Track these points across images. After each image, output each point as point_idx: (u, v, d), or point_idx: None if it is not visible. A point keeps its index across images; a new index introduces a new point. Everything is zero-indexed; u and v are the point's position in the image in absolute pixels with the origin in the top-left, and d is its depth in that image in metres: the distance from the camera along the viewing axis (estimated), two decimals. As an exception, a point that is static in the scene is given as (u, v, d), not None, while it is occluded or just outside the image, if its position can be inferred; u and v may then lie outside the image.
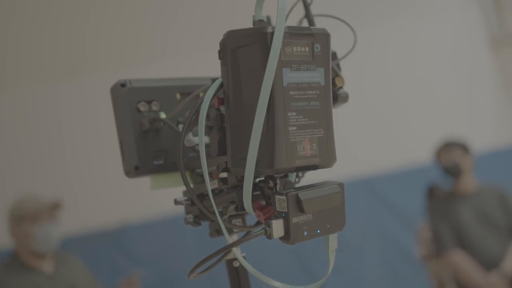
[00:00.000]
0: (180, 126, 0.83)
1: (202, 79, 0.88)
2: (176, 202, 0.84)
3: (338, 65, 0.80)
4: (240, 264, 0.85)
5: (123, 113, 0.82)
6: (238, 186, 0.73)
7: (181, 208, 0.84)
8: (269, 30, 0.63)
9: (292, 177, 0.76)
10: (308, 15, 0.80)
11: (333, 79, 0.78)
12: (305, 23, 0.81)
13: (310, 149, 0.66)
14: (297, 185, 0.77)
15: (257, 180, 0.72)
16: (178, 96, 0.87)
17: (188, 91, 0.86)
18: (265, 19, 0.72)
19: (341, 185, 0.69)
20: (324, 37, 0.67)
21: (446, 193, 2.84)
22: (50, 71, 3.43)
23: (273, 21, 0.71)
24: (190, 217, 0.80)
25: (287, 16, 0.68)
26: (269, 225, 0.64)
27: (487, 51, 4.28)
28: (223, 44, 0.67)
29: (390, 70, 3.96)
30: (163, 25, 3.58)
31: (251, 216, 0.73)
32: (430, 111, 4.00)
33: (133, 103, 0.83)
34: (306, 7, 0.80)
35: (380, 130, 3.84)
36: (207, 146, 0.71)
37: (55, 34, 3.47)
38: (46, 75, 3.43)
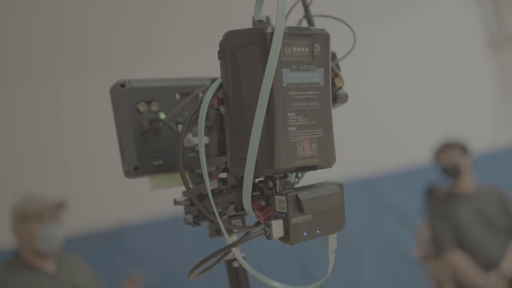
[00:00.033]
0: (180, 127, 0.83)
1: (202, 80, 0.88)
2: (176, 202, 0.84)
3: (337, 66, 0.80)
4: (240, 265, 0.85)
5: (122, 113, 0.82)
6: (238, 187, 0.73)
7: (180, 209, 0.84)
8: (269, 30, 0.63)
9: (291, 177, 0.76)
10: (307, 16, 0.80)
11: (333, 79, 0.78)
12: (304, 24, 0.81)
13: (310, 149, 0.66)
14: (296, 186, 0.77)
15: (257, 180, 0.72)
16: (177, 96, 0.87)
17: (187, 92, 0.86)
18: (264, 20, 0.72)
19: (340, 185, 0.69)
20: (324, 37, 0.67)
21: (445, 194, 2.84)
22: (50, 71, 3.43)
23: (273, 22, 0.71)
24: (190, 217, 0.80)
25: (286, 17, 0.68)
26: (269, 226, 0.64)
27: (486, 52, 4.29)
28: (222, 44, 0.67)
29: (389, 70, 3.96)
30: (162, 25, 3.58)
31: (251, 217, 0.73)
32: (429, 111, 4.00)
33: (132, 103, 0.83)
34: (306, 7, 0.80)
35: (379, 131, 3.84)
36: (206, 146, 0.71)
37: (55, 34, 3.47)
38: (46, 75, 3.43)
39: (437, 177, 2.93)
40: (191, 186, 0.78)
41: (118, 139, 0.84)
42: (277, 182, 0.71)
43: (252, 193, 0.66)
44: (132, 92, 0.83)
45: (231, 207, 0.74)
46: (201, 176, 0.83)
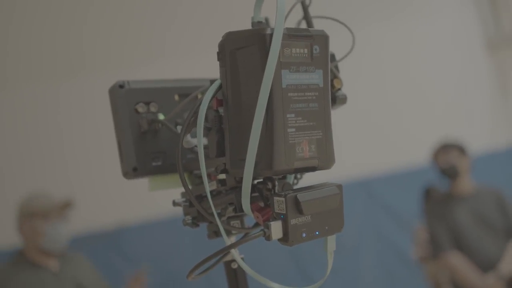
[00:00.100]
0: (179, 128, 0.83)
1: (201, 81, 0.88)
2: (175, 203, 0.84)
3: (336, 67, 0.81)
4: (239, 266, 0.85)
5: (121, 114, 0.82)
6: (237, 188, 0.73)
7: (178, 210, 0.84)
8: (268, 31, 0.63)
9: (290, 178, 0.76)
10: (306, 17, 0.80)
11: (332, 80, 0.78)
12: (303, 25, 0.81)
13: (309, 150, 0.66)
14: (295, 187, 0.77)
15: (256, 181, 0.72)
16: (176, 97, 0.87)
17: (186, 93, 0.86)
18: (263, 21, 0.72)
19: (339, 186, 0.69)
20: (323, 38, 0.67)
21: (443, 195, 2.85)
22: (49, 71, 3.43)
23: (272, 23, 0.71)
24: (189, 218, 0.80)
25: (286, 18, 0.68)
26: (268, 227, 0.64)
27: (483, 53, 4.30)
28: (222, 45, 0.67)
29: (387, 71, 3.97)
30: (161, 26, 3.58)
31: (250, 218, 0.73)
32: (426, 112, 4.01)
33: (131, 104, 0.83)
34: (305, 8, 0.80)
35: (377, 132, 3.85)
36: (205, 147, 0.71)
37: (54, 35, 3.47)
38: (45, 75, 3.43)
39: (435, 178, 2.94)
40: (190, 187, 0.78)
41: (117, 140, 0.84)
42: (276, 183, 0.71)
43: (251, 194, 0.66)
44: (131, 93, 0.83)
45: (230, 208, 0.74)
46: (200, 177, 0.83)
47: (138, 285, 2.58)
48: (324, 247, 0.71)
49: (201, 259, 0.69)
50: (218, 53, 0.67)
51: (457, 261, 2.61)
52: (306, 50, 0.65)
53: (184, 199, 0.84)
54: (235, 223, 0.80)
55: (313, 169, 0.68)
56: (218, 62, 0.68)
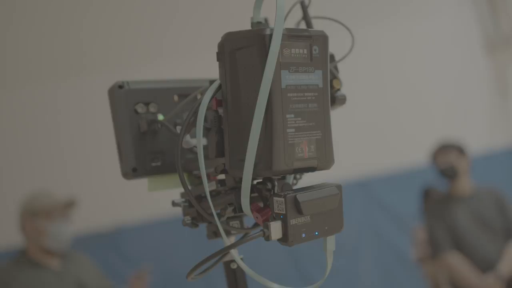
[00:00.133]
0: (178, 128, 0.83)
1: (200, 81, 0.88)
2: (174, 204, 0.84)
3: (336, 67, 0.81)
4: (238, 266, 0.85)
5: (120, 114, 0.82)
6: (236, 188, 0.73)
7: (177, 210, 0.84)
8: (268, 32, 0.63)
9: (290, 179, 0.76)
10: (306, 17, 0.80)
11: (331, 81, 0.78)
12: (303, 25, 0.81)
13: (308, 151, 0.66)
14: (295, 187, 0.77)
15: (255, 182, 0.72)
16: (176, 98, 0.86)
17: (186, 93, 0.86)
18: (263, 21, 0.72)
19: (339, 187, 0.69)
20: (322, 39, 0.67)
21: (442, 195, 2.85)
22: (48, 72, 3.43)
23: (271, 23, 0.71)
24: (188, 219, 0.80)
25: (285, 18, 0.68)
26: (267, 227, 0.64)
27: (482, 54, 4.30)
28: (221, 46, 0.67)
29: (386, 72, 3.97)
30: (161, 26, 3.58)
31: (249, 218, 0.73)
32: (425, 113, 4.01)
33: (130, 104, 0.83)
34: (304, 9, 0.80)
35: (376, 132, 3.84)
36: (205, 148, 0.71)
37: (53, 35, 3.46)
38: (45, 76, 3.42)
39: (434, 178, 2.94)
40: (189, 187, 0.78)
41: (116, 141, 0.84)
42: (276, 183, 0.71)
43: (250, 194, 0.66)
44: (130, 94, 0.83)
45: (230, 209, 0.74)
46: (200, 177, 0.83)
47: (140, 284, 2.58)
48: (323, 248, 0.71)
49: (200, 260, 0.69)
50: (218, 54, 0.67)
51: (456, 262, 2.62)
52: (305, 51, 0.65)
53: (183, 200, 0.83)
54: (235, 223, 0.80)
55: (312, 169, 0.68)
56: (217, 63, 0.68)
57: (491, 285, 2.52)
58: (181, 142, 0.70)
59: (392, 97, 3.97)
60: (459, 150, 2.77)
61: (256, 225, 0.79)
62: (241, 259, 0.79)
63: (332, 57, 0.79)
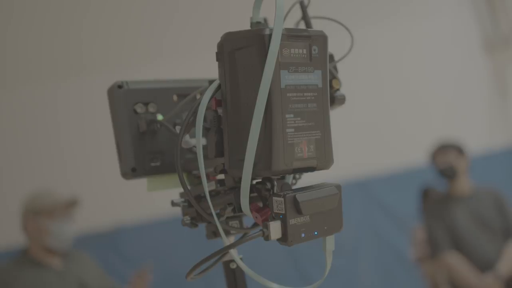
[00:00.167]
0: (177, 128, 0.83)
1: (199, 81, 0.88)
2: (173, 203, 0.84)
3: (335, 67, 0.81)
4: (237, 266, 0.85)
5: (120, 114, 0.82)
6: (236, 188, 0.73)
7: (177, 210, 0.84)
8: (267, 32, 0.63)
9: (289, 178, 0.76)
10: (305, 17, 0.80)
11: (330, 81, 0.78)
12: (302, 25, 0.81)
13: (308, 151, 0.66)
14: (294, 187, 0.77)
15: (254, 181, 0.72)
16: (175, 98, 0.86)
17: (185, 93, 0.86)
18: (262, 21, 0.72)
19: (338, 186, 0.69)
20: (322, 39, 0.67)
21: (441, 195, 2.85)
22: (48, 72, 3.43)
23: (271, 23, 0.72)
24: (187, 218, 0.80)
25: (284, 18, 0.68)
26: (267, 227, 0.64)
27: (481, 54, 4.30)
28: (220, 46, 0.67)
29: (385, 72, 3.97)
30: (160, 26, 3.58)
31: (248, 218, 0.73)
32: (424, 113, 4.01)
33: (130, 104, 0.83)
34: (303, 9, 0.80)
35: (375, 132, 3.85)
36: (204, 148, 0.71)
37: (53, 35, 3.46)
38: (44, 76, 3.42)
39: (433, 178, 2.94)
40: (188, 187, 0.78)
41: (115, 141, 0.84)
42: (275, 183, 0.71)
43: (250, 194, 0.66)
44: (129, 94, 0.83)
45: (229, 209, 0.74)
46: (199, 177, 0.83)
47: (142, 283, 2.58)
48: (323, 247, 0.71)
49: (200, 259, 0.69)
50: (217, 54, 0.67)
51: (455, 261, 2.62)
52: (305, 51, 0.66)
53: (183, 199, 0.83)
54: (234, 223, 0.80)
55: (312, 169, 0.68)
56: (217, 63, 0.68)
57: (490, 285, 2.52)
58: (180, 142, 0.70)
59: (391, 97, 3.97)
60: (458, 150, 2.77)
61: (255, 225, 0.79)
62: (241, 259, 0.80)
63: (331, 57, 0.80)
